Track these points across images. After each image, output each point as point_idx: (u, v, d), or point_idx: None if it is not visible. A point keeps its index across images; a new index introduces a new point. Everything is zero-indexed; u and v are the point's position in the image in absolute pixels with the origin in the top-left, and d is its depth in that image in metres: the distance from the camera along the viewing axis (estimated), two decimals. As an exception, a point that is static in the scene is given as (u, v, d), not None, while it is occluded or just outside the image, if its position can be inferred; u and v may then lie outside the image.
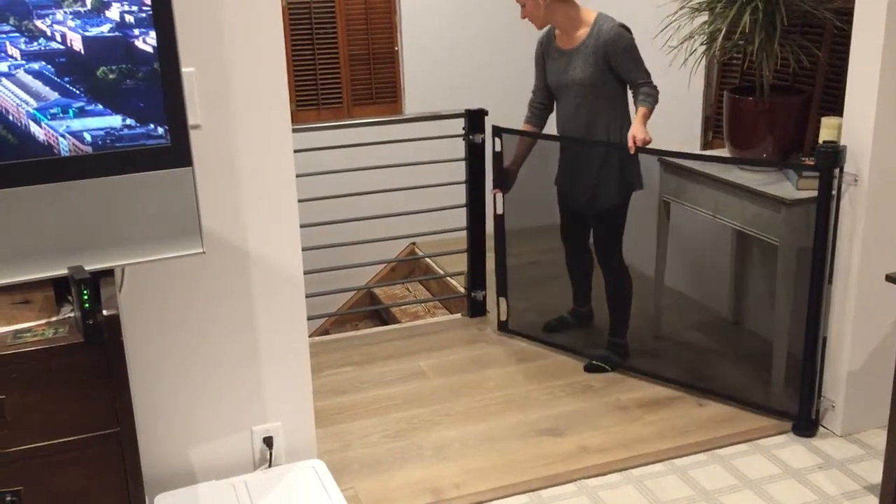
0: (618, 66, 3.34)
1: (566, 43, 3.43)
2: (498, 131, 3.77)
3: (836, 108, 3.23)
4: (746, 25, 3.10)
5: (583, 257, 3.80)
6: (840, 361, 3.08)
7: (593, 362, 3.67)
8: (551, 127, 3.71)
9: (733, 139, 3.43)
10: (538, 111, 3.66)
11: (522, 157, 3.75)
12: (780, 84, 3.48)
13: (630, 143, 3.26)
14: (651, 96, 3.34)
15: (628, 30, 3.37)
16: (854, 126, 2.90)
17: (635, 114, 3.38)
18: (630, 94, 3.45)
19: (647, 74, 3.37)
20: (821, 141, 2.99)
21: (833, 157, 2.90)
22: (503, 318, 4.03)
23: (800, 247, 3.12)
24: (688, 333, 3.97)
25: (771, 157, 3.33)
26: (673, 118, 4.26)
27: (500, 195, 3.85)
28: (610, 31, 3.32)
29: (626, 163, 3.42)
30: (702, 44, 3.36)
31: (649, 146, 3.31)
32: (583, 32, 3.37)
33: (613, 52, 3.32)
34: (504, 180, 3.80)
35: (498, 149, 3.78)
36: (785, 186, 3.17)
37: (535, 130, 3.68)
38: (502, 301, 4.01)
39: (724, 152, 3.56)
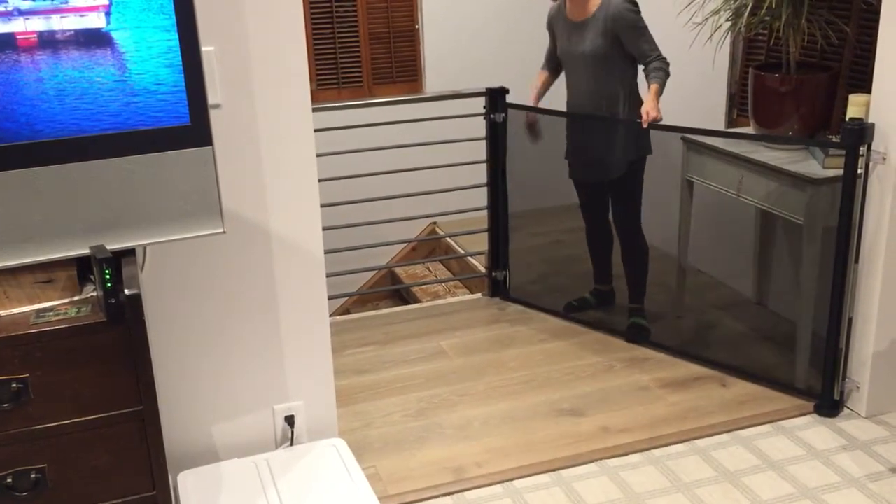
0: (626, 43, 3.38)
1: (578, 14, 3.46)
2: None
3: (865, 86, 3.17)
4: (773, 0, 3.05)
5: (603, 232, 3.83)
6: (866, 342, 3.05)
7: (634, 321, 3.68)
8: (558, 101, 3.71)
9: (759, 117, 3.39)
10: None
11: (542, 94, 3.78)
12: (806, 61, 3.43)
13: (644, 118, 3.29)
14: (661, 70, 3.36)
15: (635, 5, 3.39)
16: (882, 103, 2.85)
17: (648, 91, 3.39)
18: (641, 69, 3.46)
19: (655, 48, 3.38)
20: (848, 118, 2.94)
21: (859, 134, 2.85)
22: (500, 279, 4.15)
23: (825, 226, 3.08)
24: (710, 313, 3.94)
25: (797, 136, 3.28)
26: (697, 96, 4.22)
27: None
28: (617, 7, 3.36)
29: (635, 130, 3.44)
30: (727, 19, 3.31)
31: (662, 123, 3.34)
32: (594, 4, 3.41)
33: (620, 29, 3.37)
34: (530, 129, 3.80)
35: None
36: (811, 165, 3.13)
37: (550, 78, 3.74)
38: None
39: (749, 130, 3.51)
